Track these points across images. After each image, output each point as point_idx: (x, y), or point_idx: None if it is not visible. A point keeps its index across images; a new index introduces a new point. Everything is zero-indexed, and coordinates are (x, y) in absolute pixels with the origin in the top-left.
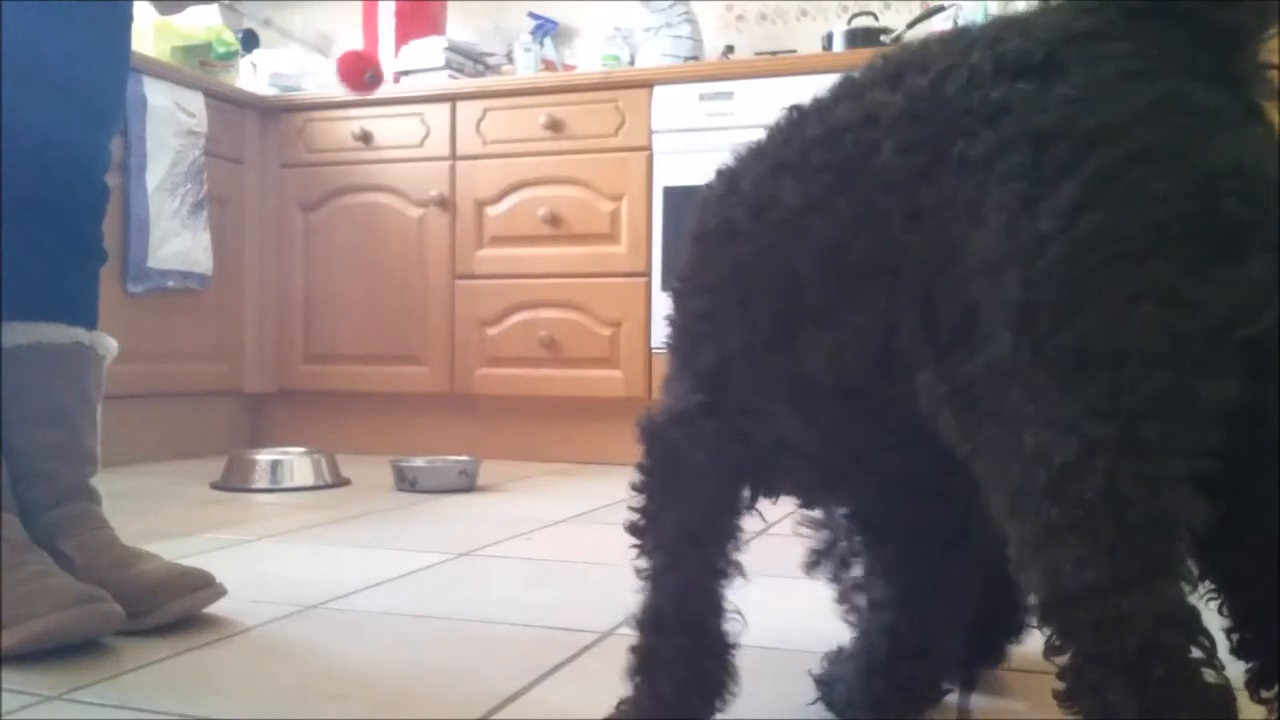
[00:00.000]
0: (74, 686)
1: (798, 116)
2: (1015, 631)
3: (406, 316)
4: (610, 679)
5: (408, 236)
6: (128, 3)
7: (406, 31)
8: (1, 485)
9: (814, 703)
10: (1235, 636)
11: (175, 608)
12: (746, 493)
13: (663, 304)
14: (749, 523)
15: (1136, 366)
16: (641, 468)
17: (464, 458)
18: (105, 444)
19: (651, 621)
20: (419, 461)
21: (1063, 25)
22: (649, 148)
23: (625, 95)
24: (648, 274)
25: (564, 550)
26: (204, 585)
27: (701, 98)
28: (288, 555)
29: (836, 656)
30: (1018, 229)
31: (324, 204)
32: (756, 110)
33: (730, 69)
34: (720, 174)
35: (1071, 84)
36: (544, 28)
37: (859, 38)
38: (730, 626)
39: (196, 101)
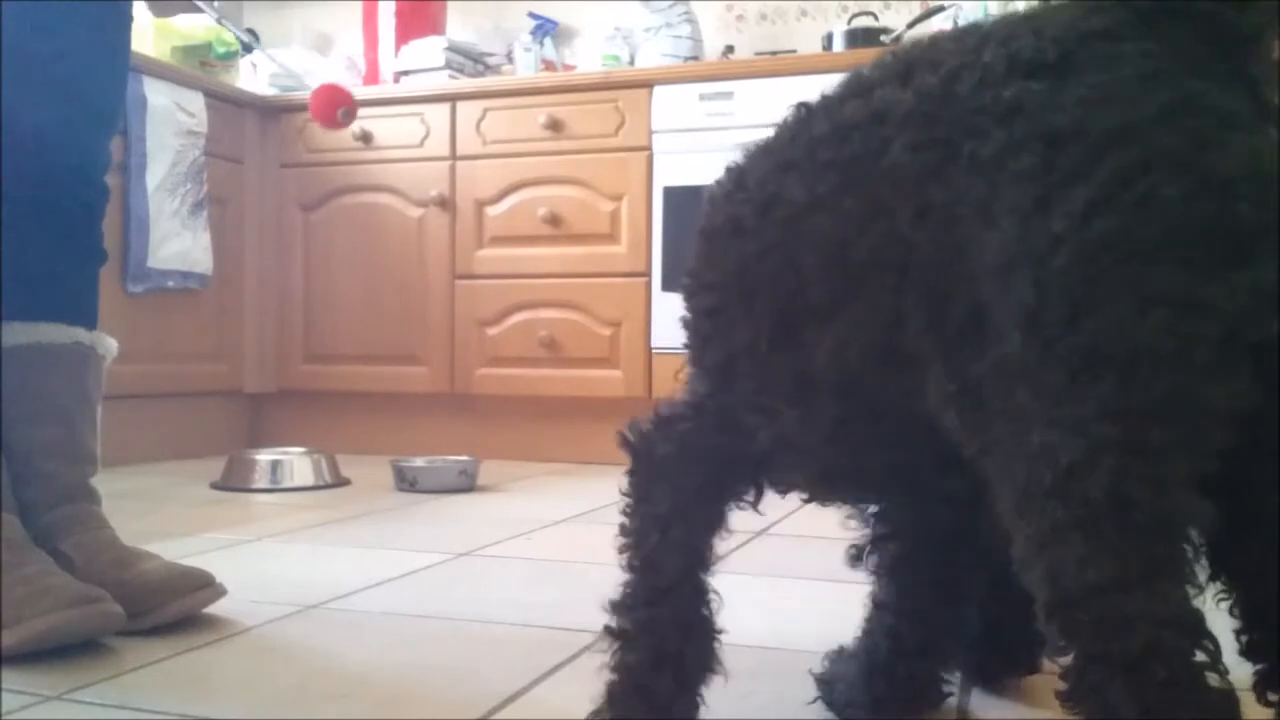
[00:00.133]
0: (74, 686)
1: (805, 114)
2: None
3: (406, 316)
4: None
5: (408, 236)
6: (128, 3)
7: (406, 31)
8: (1, 485)
9: (813, 701)
10: (1244, 638)
11: (175, 608)
12: (743, 486)
13: (663, 304)
14: (749, 523)
15: (1146, 368)
16: (628, 472)
17: (464, 458)
18: (105, 444)
19: (620, 602)
20: (419, 461)
21: (1075, 24)
22: (649, 148)
23: (625, 95)
24: (648, 274)
25: (564, 550)
26: (204, 585)
27: (701, 98)
28: (288, 555)
29: (837, 656)
30: (1030, 229)
31: (324, 204)
32: (756, 110)
33: (730, 69)
34: (728, 171)
35: (1085, 84)
36: (544, 28)
37: (859, 38)
38: (707, 608)
39: (196, 101)
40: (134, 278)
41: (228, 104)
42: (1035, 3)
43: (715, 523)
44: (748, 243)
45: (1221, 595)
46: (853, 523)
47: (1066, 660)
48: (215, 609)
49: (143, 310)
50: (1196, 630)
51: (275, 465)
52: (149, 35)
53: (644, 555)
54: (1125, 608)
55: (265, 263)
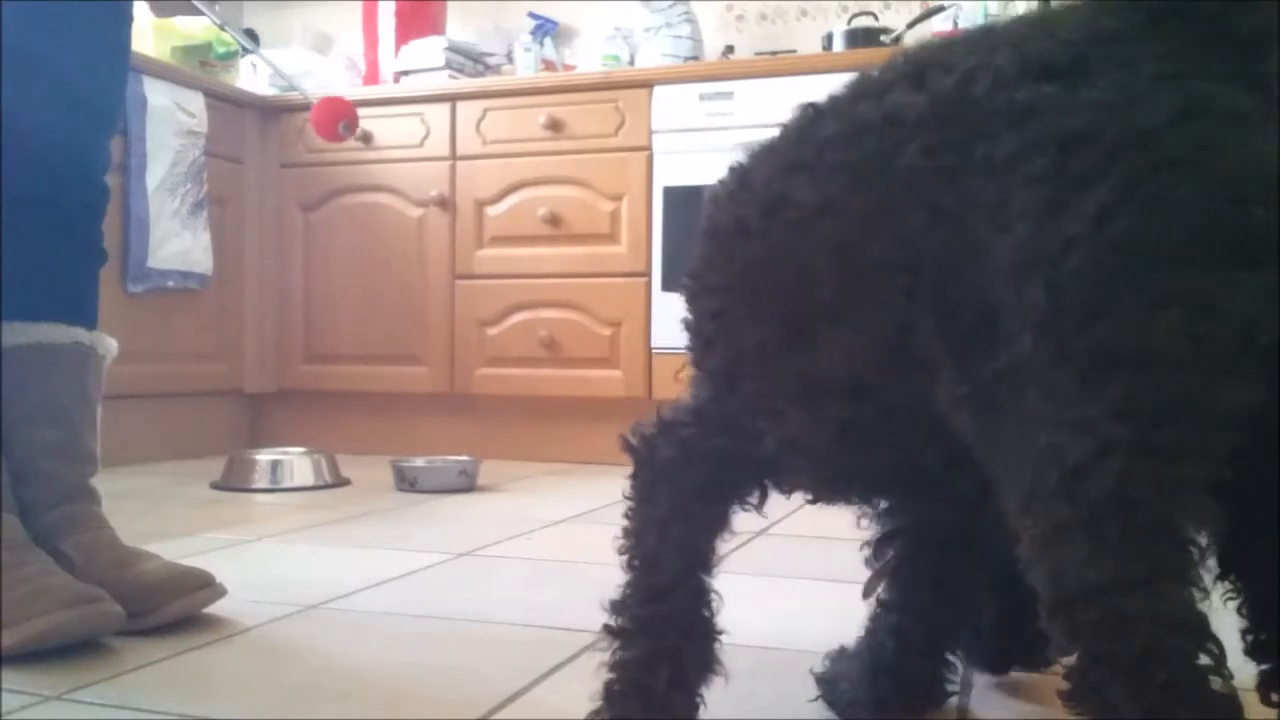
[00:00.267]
0: (74, 686)
1: (813, 114)
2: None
3: (406, 316)
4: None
5: (408, 236)
6: (128, 3)
7: (406, 31)
8: (1, 485)
9: (814, 700)
10: (1249, 638)
11: (175, 608)
12: (747, 489)
13: (663, 304)
14: (749, 523)
15: (1158, 370)
16: (630, 476)
17: (464, 458)
18: (105, 444)
19: (619, 601)
20: (419, 461)
21: (1087, 26)
22: (649, 148)
23: (625, 95)
24: (648, 274)
25: (564, 550)
26: (204, 585)
27: (701, 98)
28: (288, 555)
29: (838, 655)
30: (1043, 232)
31: (324, 204)
32: (756, 110)
33: (730, 69)
34: (732, 172)
35: (1099, 87)
36: (544, 28)
37: (859, 38)
38: (706, 606)
39: (196, 101)
40: (134, 278)
41: (228, 104)
42: (1035, 3)
43: (717, 524)
44: (754, 244)
45: (1229, 595)
46: (863, 522)
47: (1070, 660)
48: (215, 609)
49: (143, 310)
50: (1199, 632)
51: (275, 465)
52: (149, 35)
53: (644, 555)
54: (1127, 608)
55: (265, 263)
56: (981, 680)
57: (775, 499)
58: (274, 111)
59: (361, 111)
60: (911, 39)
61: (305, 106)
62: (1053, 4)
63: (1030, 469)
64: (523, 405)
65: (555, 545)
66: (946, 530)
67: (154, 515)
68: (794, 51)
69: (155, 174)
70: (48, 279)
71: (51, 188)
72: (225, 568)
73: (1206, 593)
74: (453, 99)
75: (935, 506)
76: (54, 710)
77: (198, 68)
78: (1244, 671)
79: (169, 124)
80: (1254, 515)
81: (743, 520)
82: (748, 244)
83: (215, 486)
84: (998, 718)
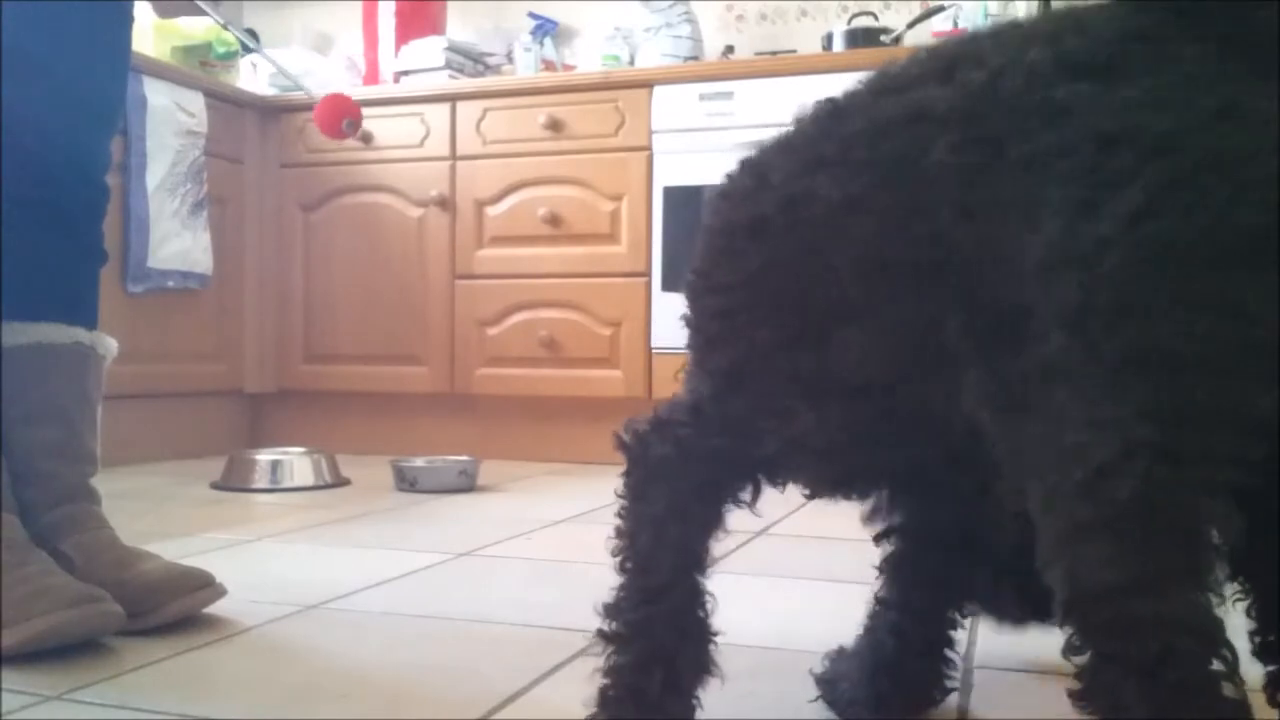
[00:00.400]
0: (74, 686)
1: (833, 110)
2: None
3: (406, 316)
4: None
5: (408, 236)
6: (128, 2)
7: (406, 31)
8: (1, 485)
9: (814, 700)
10: (1257, 639)
11: (175, 608)
12: (740, 486)
13: (663, 304)
14: (749, 523)
15: (1188, 373)
16: (623, 474)
17: (464, 458)
18: (105, 444)
19: (612, 604)
20: (419, 461)
21: (1122, 25)
22: (649, 148)
23: (625, 95)
24: (648, 274)
25: (564, 550)
26: (204, 585)
27: (701, 98)
28: (288, 555)
29: (837, 655)
30: (1076, 231)
31: (324, 204)
32: (756, 110)
33: (730, 69)
34: (746, 168)
35: (1134, 87)
36: (544, 28)
37: (859, 38)
38: (702, 609)
39: (196, 101)
40: (134, 278)
41: (228, 104)
42: (1035, 3)
43: (712, 524)
44: (772, 242)
45: (1238, 596)
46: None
47: (1081, 659)
48: (215, 609)
49: (143, 310)
50: (1214, 638)
51: (275, 465)
52: (149, 35)
53: (638, 556)
54: (1143, 610)
55: (265, 263)
56: (982, 680)
57: (775, 499)
58: (274, 111)
59: (362, 111)
60: (911, 39)
61: (305, 106)
62: (1053, 4)
63: (1054, 467)
64: (523, 405)
65: (555, 545)
66: (945, 527)
67: (154, 515)
68: (794, 51)
69: (155, 174)
70: (48, 279)
71: (51, 188)
72: (225, 568)
73: (1223, 598)
74: (453, 99)
75: (934, 503)
76: (54, 710)
77: (198, 68)
78: (1251, 673)
79: (169, 124)
80: (1266, 517)
81: (743, 520)
82: (765, 242)
83: (215, 486)
84: (998, 718)
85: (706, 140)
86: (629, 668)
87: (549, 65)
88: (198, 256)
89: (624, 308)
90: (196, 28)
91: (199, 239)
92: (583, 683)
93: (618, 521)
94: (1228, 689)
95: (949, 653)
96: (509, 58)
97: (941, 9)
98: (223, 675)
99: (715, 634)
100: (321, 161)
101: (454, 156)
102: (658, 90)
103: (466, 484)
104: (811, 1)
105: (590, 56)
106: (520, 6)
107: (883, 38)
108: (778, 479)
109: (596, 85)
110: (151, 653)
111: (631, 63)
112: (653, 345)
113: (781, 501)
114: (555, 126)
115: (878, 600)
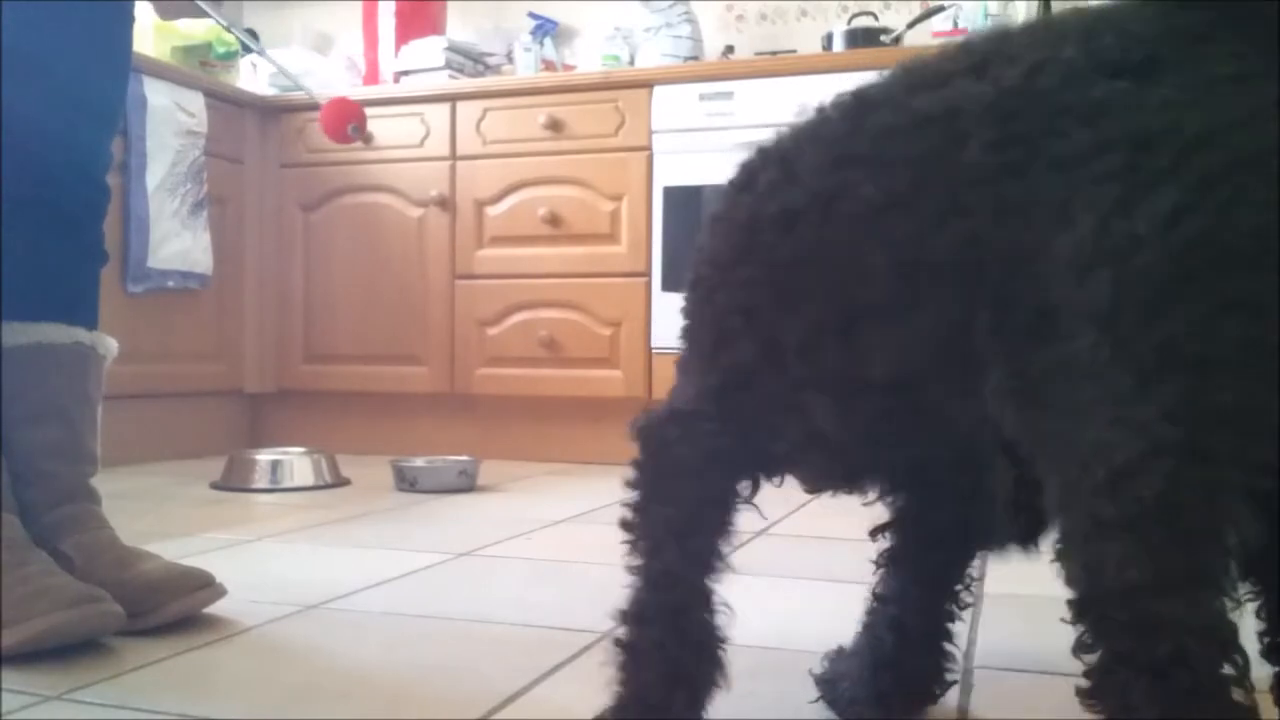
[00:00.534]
0: (74, 686)
1: (862, 105)
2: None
3: (406, 316)
4: (610, 679)
5: (408, 236)
6: (128, 2)
7: (406, 31)
8: (1, 485)
9: (815, 701)
10: (1266, 640)
11: (175, 608)
12: (747, 485)
13: (663, 304)
14: (749, 523)
15: (1218, 374)
16: (634, 463)
17: (464, 458)
18: (105, 444)
19: (633, 614)
20: (419, 461)
21: (1159, 23)
22: (649, 148)
23: (625, 95)
24: (648, 274)
25: (564, 550)
26: (204, 585)
27: (701, 98)
28: (288, 555)
29: (837, 655)
30: (1111, 229)
31: (324, 204)
32: (756, 110)
33: (730, 69)
34: (768, 159)
35: (1172, 86)
36: (544, 28)
37: (859, 38)
38: (719, 621)
39: (196, 101)
40: (134, 278)
41: (228, 104)
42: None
43: (729, 527)
44: (804, 237)
45: (1248, 597)
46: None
47: (1092, 658)
48: (215, 609)
49: (143, 310)
50: (1227, 642)
51: (275, 465)
52: (149, 35)
53: (660, 567)
54: (1160, 611)
55: (265, 263)
56: (982, 680)
57: (775, 500)
58: (274, 111)
59: (366, 115)
60: (911, 39)
61: (305, 106)
62: (1053, 5)
63: (1076, 464)
64: (523, 405)
65: (555, 545)
66: (943, 522)
67: (154, 515)
68: (794, 51)
69: (155, 174)
70: (48, 279)
71: (52, 188)
72: (225, 568)
73: (1238, 602)
74: (453, 99)
75: (938, 500)
76: (54, 710)
77: (198, 68)
78: (1258, 674)
79: (169, 124)
80: (1277, 519)
81: (743, 520)
82: (795, 236)
83: (215, 486)
84: (998, 718)
85: (706, 140)
86: (653, 685)
87: (549, 65)
88: (198, 256)
89: (624, 308)
90: (197, 28)
91: (199, 239)
92: (583, 683)
93: (628, 515)
94: (1237, 694)
95: (948, 646)
96: (509, 58)
97: (941, 9)
98: (223, 675)
99: (724, 642)
100: (321, 161)
101: (454, 156)
102: (658, 90)
103: (466, 484)
104: (811, 1)
105: (590, 56)
106: (520, 6)
107: (883, 38)
108: (777, 475)
109: (596, 85)
110: (151, 653)
111: (631, 63)
112: (653, 345)
113: (781, 501)
114: (555, 126)
115: (875, 597)
